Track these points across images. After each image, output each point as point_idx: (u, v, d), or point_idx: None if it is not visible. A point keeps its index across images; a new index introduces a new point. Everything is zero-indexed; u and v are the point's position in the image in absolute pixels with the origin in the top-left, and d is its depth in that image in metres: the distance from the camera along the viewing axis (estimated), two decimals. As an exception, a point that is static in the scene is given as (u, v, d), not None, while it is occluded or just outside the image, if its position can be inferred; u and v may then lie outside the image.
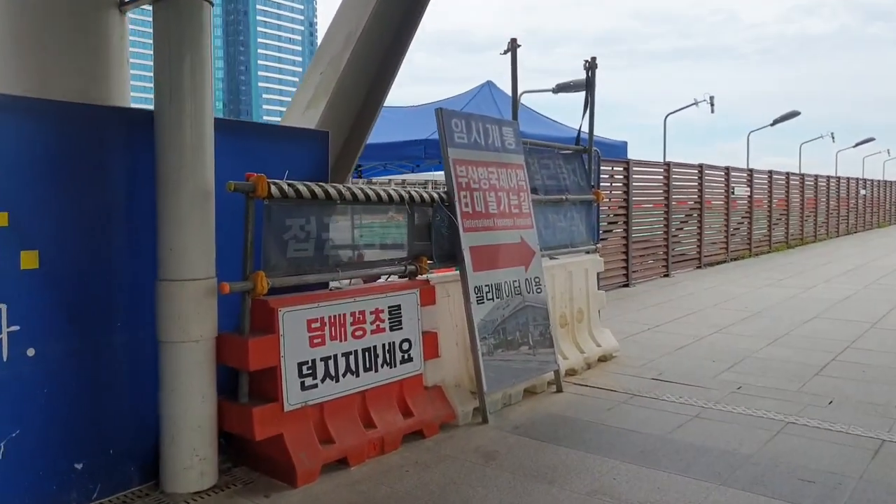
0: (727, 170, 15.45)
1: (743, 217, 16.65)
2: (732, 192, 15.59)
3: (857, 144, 31.81)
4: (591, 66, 6.78)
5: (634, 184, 11.98)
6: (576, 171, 6.79)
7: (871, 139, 32.04)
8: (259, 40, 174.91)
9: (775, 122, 19.26)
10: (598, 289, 6.93)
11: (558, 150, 6.58)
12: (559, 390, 5.49)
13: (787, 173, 19.20)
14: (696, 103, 15.54)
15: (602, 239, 11.51)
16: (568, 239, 6.49)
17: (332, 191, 3.72)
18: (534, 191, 5.95)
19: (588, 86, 6.83)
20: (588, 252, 6.81)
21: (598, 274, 6.92)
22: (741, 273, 13.56)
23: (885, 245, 20.45)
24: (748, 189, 16.50)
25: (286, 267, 3.59)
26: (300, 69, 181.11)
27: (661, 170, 12.95)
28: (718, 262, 15.21)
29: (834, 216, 23.74)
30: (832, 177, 23.58)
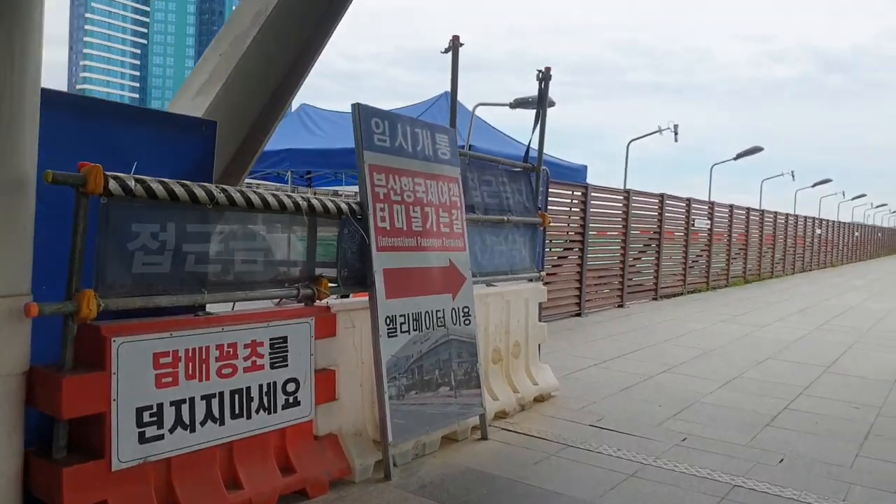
0: (688, 201, 15.10)
1: (702, 250, 16.31)
2: (692, 224, 15.24)
3: (815, 185, 32.22)
4: (544, 76, 6.18)
5: (592, 210, 11.46)
6: (521, 190, 6.17)
7: (829, 180, 32.50)
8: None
9: (738, 156, 19.12)
10: (540, 321, 6.31)
11: (503, 166, 5.96)
12: (484, 437, 4.80)
13: (748, 208, 19.02)
14: (659, 131, 15.21)
15: (557, 265, 10.97)
16: (508, 264, 5.85)
17: (199, 191, 3.00)
18: (470, 209, 5.31)
19: (540, 99, 6.24)
20: (531, 280, 6.18)
21: (539, 304, 6.29)
22: (697, 307, 13.13)
23: (837, 285, 20.39)
24: (708, 222, 16.19)
25: (131, 285, 2.85)
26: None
27: (621, 197, 12.48)
28: (675, 295, 14.79)
29: (791, 254, 23.72)
30: (791, 215, 23.60)
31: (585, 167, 11.33)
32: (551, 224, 11.25)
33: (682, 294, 15.02)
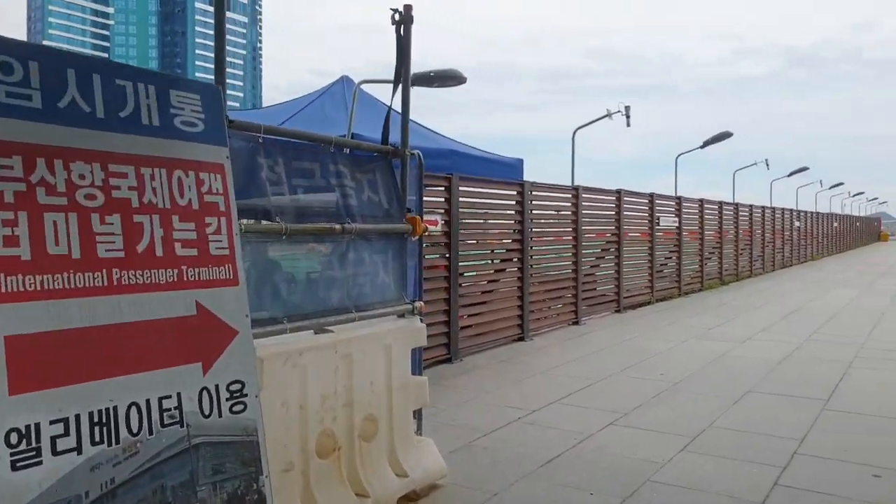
0: (651, 197, 13.28)
1: (671, 251, 14.50)
2: (657, 223, 13.42)
3: (791, 174, 30.75)
4: (402, 19, 4.25)
5: (534, 211, 9.58)
6: (376, 185, 4.23)
7: (805, 168, 31.02)
8: (197, 63, 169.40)
9: (705, 143, 17.42)
10: (418, 373, 4.38)
11: (338, 147, 4.00)
12: None
13: (720, 202, 17.28)
14: (609, 115, 13.38)
15: (493, 281, 9.02)
16: (352, 296, 3.90)
17: None
18: (264, 213, 3.37)
19: (400, 51, 4.31)
20: (401, 315, 4.24)
21: (417, 350, 4.36)
22: (667, 319, 11.27)
23: (822, 280, 18.70)
24: (676, 219, 14.38)
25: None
26: (240, 94, 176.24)
27: (569, 195, 10.61)
28: (642, 304, 12.93)
29: (770, 249, 22.06)
30: (767, 207, 21.96)
31: (521, 161, 9.45)
32: (485, 232, 9.41)
33: (649, 303, 13.16)
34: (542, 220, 10.10)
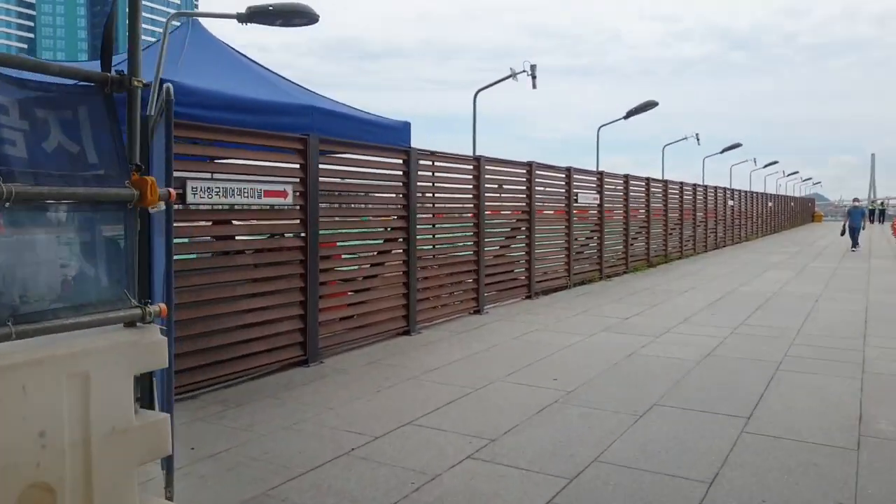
0: (568, 171, 12.05)
1: (592, 231, 13.36)
2: (576, 200, 12.21)
3: (724, 150, 30.16)
4: None
5: (423, 184, 8.18)
6: (75, 128, 2.73)
7: (738, 144, 30.46)
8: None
9: (629, 114, 16.31)
10: (164, 407, 2.95)
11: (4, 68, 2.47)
12: None
13: (647, 178, 16.24)
14: (513, 75, 12.04)
15: (376, 264, 7.62)
16: (8, 300, 2.42)
17: None
18: None
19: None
20: (129, 324, 2.79)
21: (152, 375, 2.93)
22: (581, 306, 10.09)
23: (755, 262, 17.97)
24: (597, 196, 13.22)
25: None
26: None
27: (469, 166, 9.25)
28: (558, 289, 11.75)
29: (702, 229, 21.30)
30: (699, 185, 21.15)
31: (407, 125, 8.02)
32: (364, 207, 7.95)
33: (566, 288, 11.99)
34: (436, 195, 8.73)
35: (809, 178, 75.05)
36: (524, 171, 10.61)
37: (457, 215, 9.20)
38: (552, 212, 12.10)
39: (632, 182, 15.12)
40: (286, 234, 6.50)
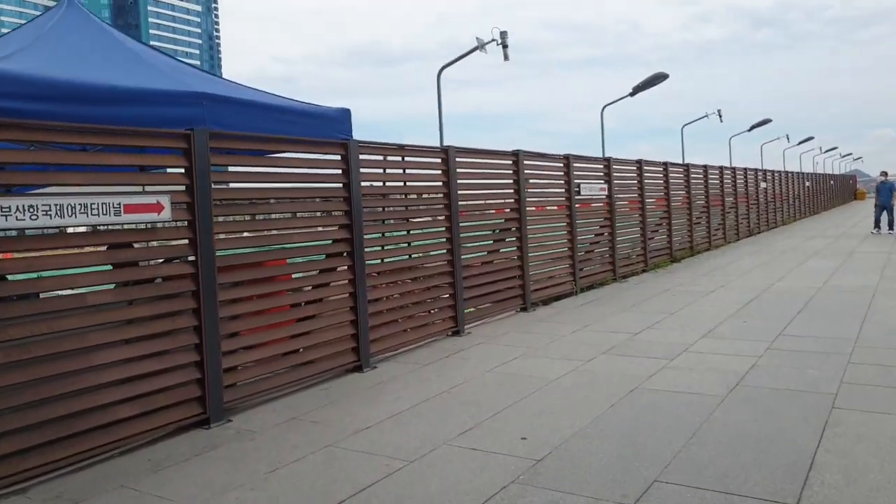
0: (567, 159, 10.40)
1: (602, 226, 11.69)
2: (577, 192, 10.57)
3: (752, 127, 27.96)
4: None
5: (371, 183, 6.66)
6: None
7: (768, 120, 28.21)
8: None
9: (635, 90, 14.56)
10: None
11: None
12: None
13: (665, 163, 14.47)
14: (481, 46, 10.39)
15: (320, 285, 6.14)
16: None
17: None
18: None
19: None
20: None
21: None
22: (582, 319, 8.45)
23: (794, 250, 16.06)
24: (605, 186, 11.54)
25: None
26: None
27: (437, 159, 7.69)
28: (562, 296, 10.13)
29: (732, 215, 19.38)
30: (726, 168, 19.23)
31: (346, 113, 6.49)
32: (292, 216, 6.37)
33: (571, 294, 10.35)
34: (391, 196, 7.20)
35: (849, 154, 71.72)
36: (509, 163, 9.01)
37: (424, 219, 7.65)
38: (553, 207, 10.48)
39: (647, 168, 13.38)
40: (175, 259, 5.03)
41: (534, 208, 9.67)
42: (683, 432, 4.29)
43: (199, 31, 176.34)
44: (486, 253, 8.74)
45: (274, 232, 5.81)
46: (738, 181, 20.18)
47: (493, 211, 8.89)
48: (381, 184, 6.94)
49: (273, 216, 5.87)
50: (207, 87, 5.27)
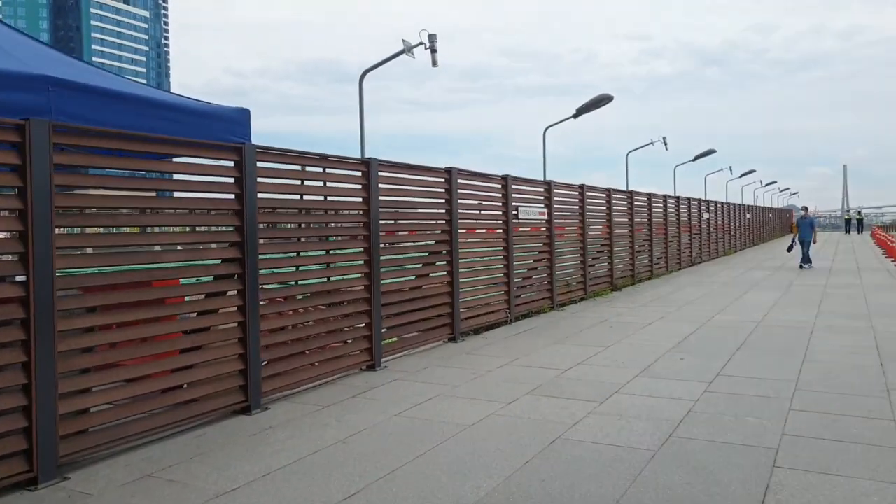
0: (505, 181, 9.82)
1: (541, 252, 11.13)
2: (515, 216, 9.99)
3: (697, 157, 28.19)
4: None
5: (268, 195, 5.89)
6: None
7: (712, 151, 28.47)
8: (94, 58, 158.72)
9: (579, 111, 14.18)
10: None
11: None
12: None
13: (608, 189, 14.08)
14: (407, 50, 9.77)
15: (204, 313, 5.31)
16: None
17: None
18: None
19: None
20: None
21: None
22: (513, 350, 7.79)
23: (734, 282, 15.86)
24: (544, 210, 11.01)
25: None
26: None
27: (357, 172, 6.96)
28: (495, 325, 9.48)
29: (675, 245, 19.18)
30: (670, 196, 19.06)
31: (245, 113, 5.75)
32: (166, 233, 5.40)
33: (506, 322, 9.72)
34: (300, 211, 6.45)
35: (787, 189, 74.01)
36: (441, 181, 8.35)
37: (338, 238, 6.91)
38: (485, 230, 9.87)
39: (589, 194, 12.94)
40: None
41: (466, 231, 9.03)
42: (606, 499, 3.62)
43: (146, 37, 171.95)
44: (413, 277, 8.04)
45: (137, 249, 4.96)
46: (682, 210, 20.06)
47: (422, 232, 8.19)
48: (286, 196, 6.17)
49: (140, 229, 5.02)
50: (59, 70, 4.44)
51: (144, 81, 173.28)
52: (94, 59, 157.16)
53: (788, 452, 4.28)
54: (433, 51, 9.46)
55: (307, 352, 6.34)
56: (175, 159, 5.36)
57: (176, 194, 5.31)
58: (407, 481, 3.96)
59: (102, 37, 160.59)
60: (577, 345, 8.14)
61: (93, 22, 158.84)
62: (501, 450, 4.45)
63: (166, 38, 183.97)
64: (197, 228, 5.47)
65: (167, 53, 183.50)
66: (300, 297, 6.33)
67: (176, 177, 5.21)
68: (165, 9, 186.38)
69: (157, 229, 5.36)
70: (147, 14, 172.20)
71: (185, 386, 5.08)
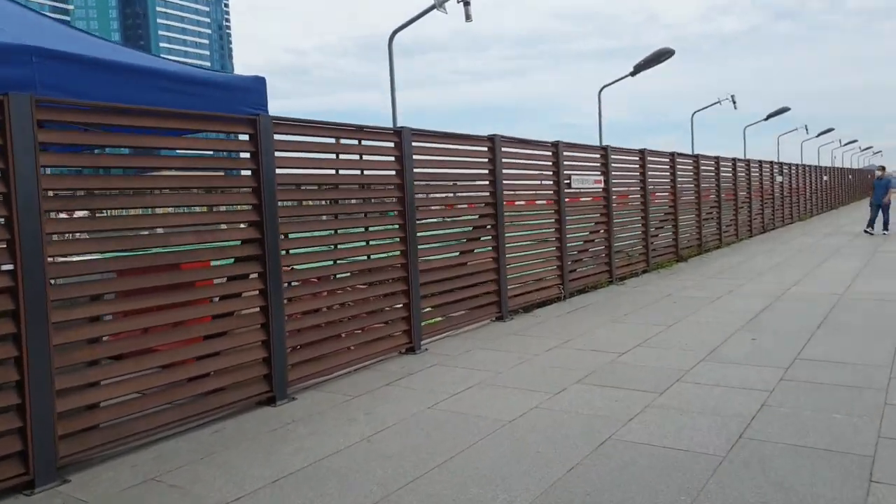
0: (556, 147, 9.13)
1: (598, 223, 10.40)
2: (568, 185, 9.30)
3: (769, 116, 26.34)
4: None
5: (291, 170, 5.46)
6: None
7: (786, 109, 26.57)
8: (161, 44, 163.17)
9: (637, 68, 13.10)
10: None
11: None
12: None
13: (672, 153, 13.12)
14: (438, 5, 8.90)
15: (227, 296, 4.95)
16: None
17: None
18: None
19: None
20: None
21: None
22: (565, 331, 7.19)
23: (811, 249, 14.69)
24: (601, 178, 10.25)
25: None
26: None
27: (390, 142, 6.44)
28: (547, 302, 8.88)
29: (745, 211, 17.99)
30: (739, 160, 17.83)
31: (261, 81, 5.28)
32: (170, 213, 5.03)
33: (559, 300, 9.10)
34: (323, 186, 5.98)
35: (869, 148, 69.45)
36: (484, 149, 7.74)
37: (370, 214, 6.42)
38: (534, 201, 9.23)
39: (651, 158, 12.05)
40: None
41: (513, 202, 8.42)
42: (662, 520, 3.05)
43: (208, 20, 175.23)
44: (456, 254, 7.51)
45: (141, 233, 4.60)
46: (753, 174, 18.77)
47: (464, 205, 7.63)
48: (311, 171, 5.71)
49: (148, 210, 4.66)
50: (47, 40, 4.05)
51: (208, 64, 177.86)
52: (160, 44, 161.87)
53: (888, 461, 3.59)
54: (466, 3, 8.77)
55: (339, 335, 5.92)
56: (188, 135, 4.98)
57: (180, 171, 4.90)
58: (431, 491, 3.47)
59: (168, 22, 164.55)
60: (635, 323, 7.48)
61: (158, 8, 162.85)
62: (542, 453, 3.91)
63: (227, 20, 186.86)
64: (215, 209, 5.08)
65: (229, 35, 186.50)
66: (332, 277, 5.91)
67: (182, 152, 4.79)
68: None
69: (166, 210, 5.00)
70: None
71: (210, 374, 4.74)
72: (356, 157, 6.19)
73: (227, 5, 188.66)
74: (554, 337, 6.96)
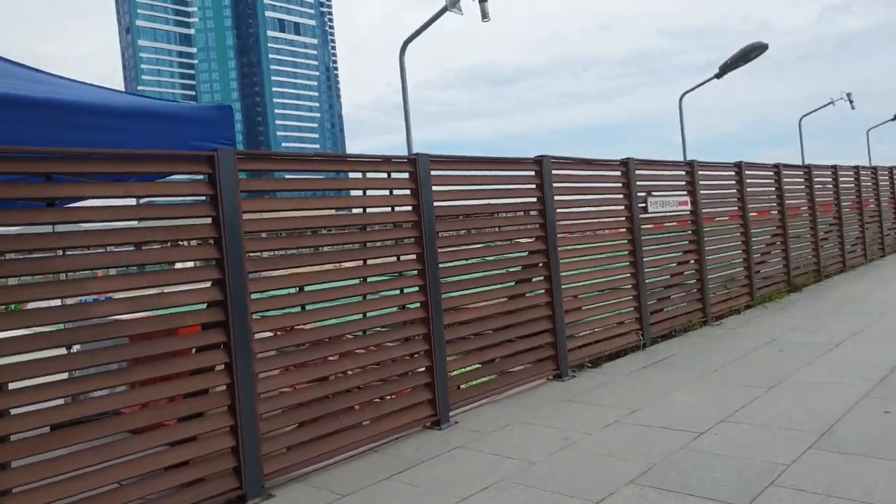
0: (625, 165, 7.71)
1: (686, 251, 8.85)
2: (644, 209, 7.87)
3: (897, 118, 23.25)
4: None
5: (260, 215, 4.51)
6: None
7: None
8: (274, 89, 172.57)
9: (723, 69, 11.30)
10: None
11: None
12: None
13: (777, 165, 11.26)
14: (452, 5, 7.65)
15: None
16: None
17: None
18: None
19: None
20: None
21: None
22: (635, 396, 5.78)
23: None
24: (686, 199, 8.71)
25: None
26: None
27: (405, 174, 5.37)
28: (622, 352, 7.44)
29: (873, 227, 15.54)
30: (863, 168, 15.45)
31: (226, 111, 4.32)
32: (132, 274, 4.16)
33: (638, 348, 7.62)
34: (307, 229, 4.98)
35: None
36: (531, 174, 6.53)
37: (375, 259, 5.36)
38: (607, 231, 7.87)
39: (749, 172, 10.34)
40: None
41: (570, 233, 7.13)
42: None
43: (315, 63, 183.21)
44: (500, 300, 6.30)
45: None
46: (882, 183, 16.27)
47: (502, 240, 6.42)
48: (276, 214, 4.74)
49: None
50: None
51: (317, 104, 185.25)
52: (273, 88, 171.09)
53: None
54: (482, 0, 7.63)
55: (357, 406, 4.89)
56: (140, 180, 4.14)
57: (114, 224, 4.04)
58: None
59: (280, 68, 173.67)
60: (725, 384, 5.96)
61: (270, 55, 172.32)
62: None
63: (334, 61, 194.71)
64: (169, 266, 4.20)
65: (336, 76, 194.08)
66: (319, 343, 4.88)
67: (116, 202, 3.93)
68: (332, 34, 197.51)
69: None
70: (316, 41, 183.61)
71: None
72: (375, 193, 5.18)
73: (334, 47, 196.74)
74: (617, 405, 5.59)
